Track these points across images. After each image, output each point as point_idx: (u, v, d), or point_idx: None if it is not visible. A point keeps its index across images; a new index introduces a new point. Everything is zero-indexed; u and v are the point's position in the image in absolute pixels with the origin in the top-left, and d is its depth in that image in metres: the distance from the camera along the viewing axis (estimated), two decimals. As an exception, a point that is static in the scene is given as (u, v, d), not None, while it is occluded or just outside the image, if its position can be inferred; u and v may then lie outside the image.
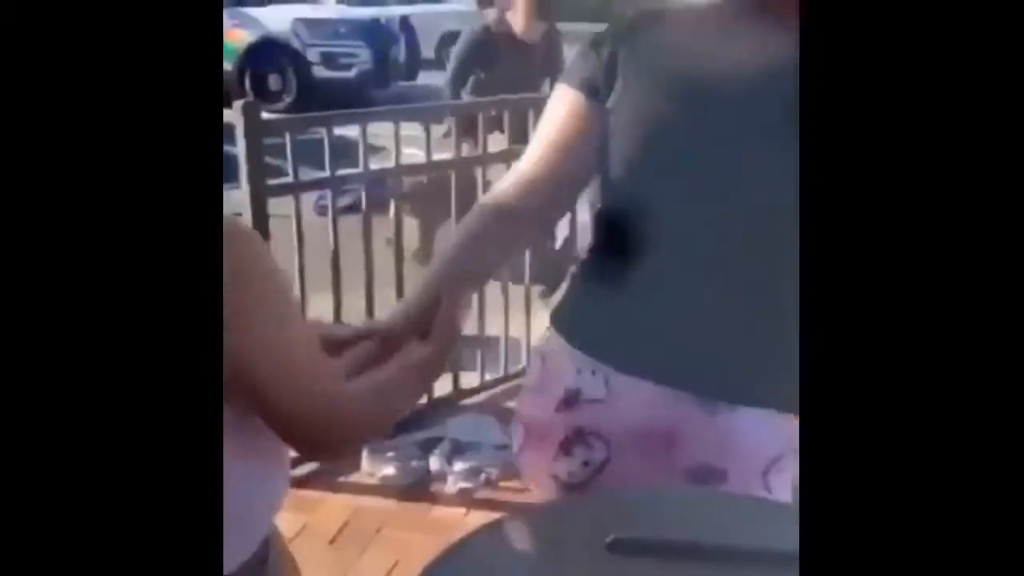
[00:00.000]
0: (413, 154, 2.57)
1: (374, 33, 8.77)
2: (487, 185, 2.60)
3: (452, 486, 2.35)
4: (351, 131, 2.49)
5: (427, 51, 11.76)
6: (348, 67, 8.57)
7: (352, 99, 8.39)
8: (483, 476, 2.38)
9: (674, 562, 0.86)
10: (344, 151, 2.42)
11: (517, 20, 3.29)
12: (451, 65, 3.41)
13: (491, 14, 3.42)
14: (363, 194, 2.47)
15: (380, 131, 2.60)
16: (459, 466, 2.40)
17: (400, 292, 2.50)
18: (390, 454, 2.44)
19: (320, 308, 2.37)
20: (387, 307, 2.56)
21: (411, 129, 2.56)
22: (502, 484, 2.37)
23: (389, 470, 2.38)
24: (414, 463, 2.42)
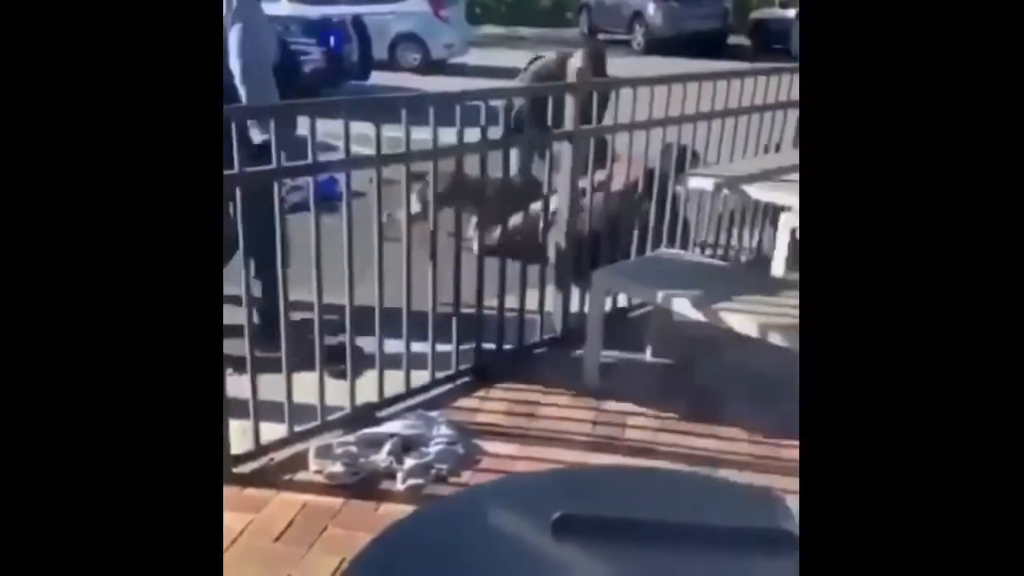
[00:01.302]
0: (362, 152, 2.56)
1: (326, 31, 8.70)
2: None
3: (401, 483, 2.34)
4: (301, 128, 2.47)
5: (380, 52, 11.68)
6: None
7: (303, 97, 8.28)
8: (433, 472, 2.38)
9: (619, 540, 0.88)
10: (293, 150, 2.40)
11: (570, 75, 3.85)
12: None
13: (552, 60, 4.11)
14: (310, 190, 2.45)
15: (332, 129, 2.58)
16: (408, 463, 2.40)
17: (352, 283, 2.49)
18: (338, 451, 2.43)
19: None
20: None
21: (363, 128, 2.54)
22: (452, 480, 2.37)
23: (337, 467, 2.36)
24: (362, 460, 2.41)
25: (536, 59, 4.28)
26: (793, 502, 0.97)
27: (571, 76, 3.96)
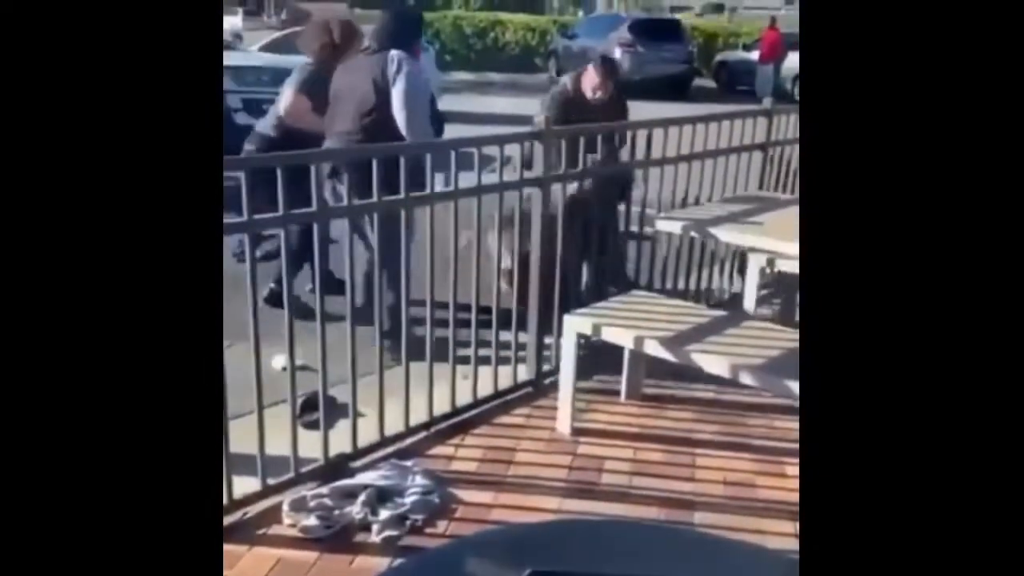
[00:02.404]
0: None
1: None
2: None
3: (377, 535, 2.31)
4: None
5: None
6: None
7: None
8: (408, 523, 2.35)
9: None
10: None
11: (587, 90, 4.04)
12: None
13: (568, 81, 4.17)
14: (282, 240, 2.45)
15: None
16: (384, 514, 2.37)
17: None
18: (312, 504, 2.40)
19: (239, 355, 2.32)
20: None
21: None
22: (428, 530, 2.34)
23: (311, 521, 2.33)
24: (336, 513, 2.37)
25: (553, 85, 4.42)
26: (768, 543, 0.98)
27: (588, 92, 4.03)
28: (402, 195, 2.68)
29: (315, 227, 2.55)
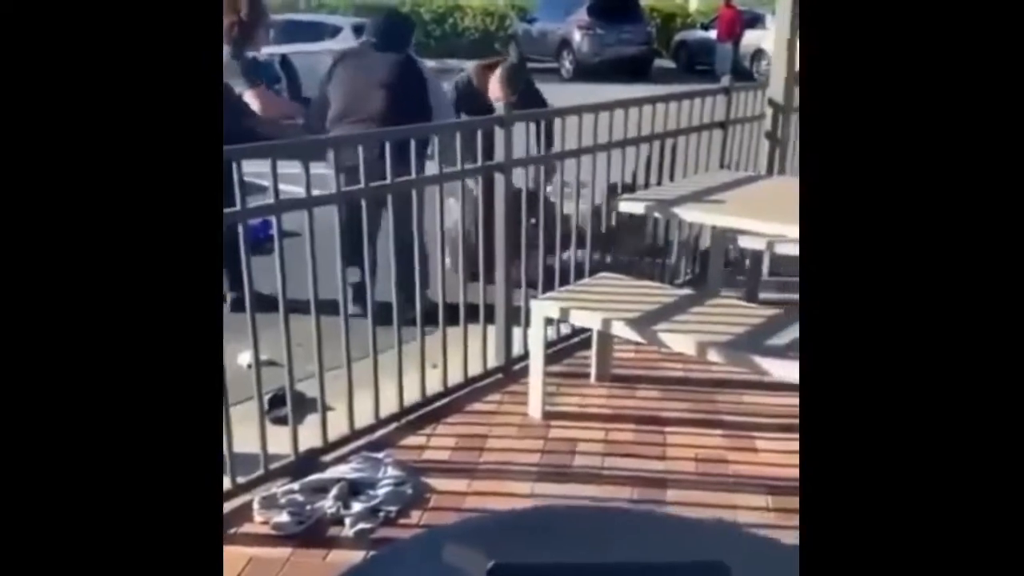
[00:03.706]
0: (292, 191, 2.54)
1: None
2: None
3: (350, 528, 2.29)
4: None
5: (312, 89, 11.62)
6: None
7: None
8: (381, 515, 2.34)
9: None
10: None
11: (491, 92, 4.18)
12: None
13: (472, 75, 4.31)
14: (240, 231, 2.40)
15: (258, 169, 2.56)
16: (356, 507, 2.36)
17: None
18: (283, 500, 2.37)
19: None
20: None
21: (290, 167, 2.52)
22: (401, 521, 2.33)
23: (283, 517, 2.31)
24: (308, 508, 2.35)
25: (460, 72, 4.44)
26: (739, 517, 0.98)
27: (492, 90, 4.13)
28: (361, 184, 2.65)
29: (275, 220, 2.51)
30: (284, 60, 9.47)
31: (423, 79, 3.77)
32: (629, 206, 3.22)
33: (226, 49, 3.90)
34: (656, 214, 3.32)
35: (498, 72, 4.19)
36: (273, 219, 2.49)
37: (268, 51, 10.36)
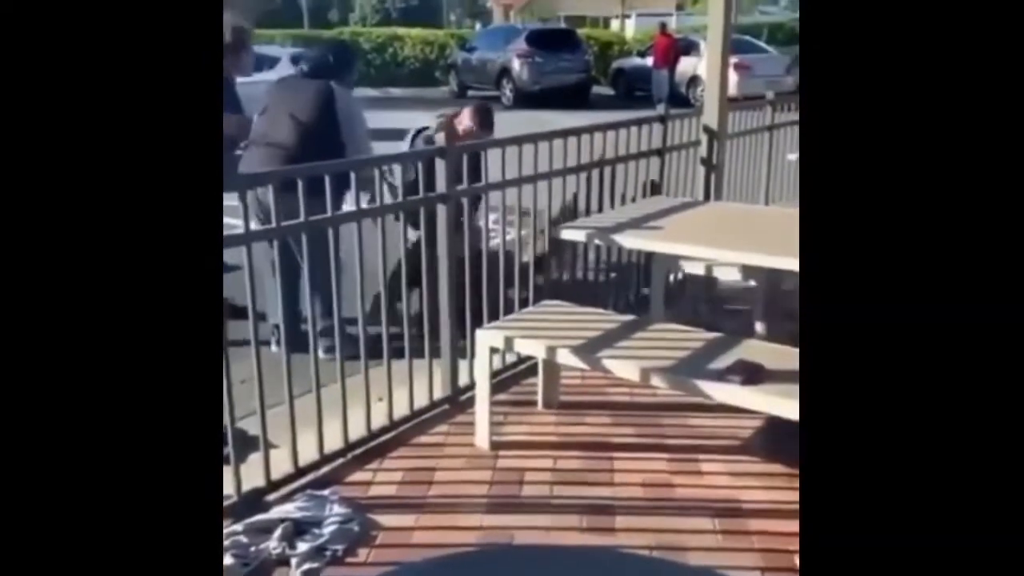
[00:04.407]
0: (233, 224, 2.50)
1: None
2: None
3: (296, 569, 2.25)
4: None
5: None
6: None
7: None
8: (328, 554, 2.30)
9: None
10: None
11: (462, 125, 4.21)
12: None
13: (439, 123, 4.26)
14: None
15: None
16: (302, 547, 2.31)
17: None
18: (227, 543, 2.31)
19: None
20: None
21: (229, 199, 2.49)
22: (349, 560, 2.29)
23: (227, 560, 2.25)
24: (253, 549, 2.30)
25: (422, 130, 4.38)
26: (687, 542, 0.98)
27: (462, 121, 4.18)
28: (301, 218, 2.63)
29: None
30: (227, 84, 9.38)
31: (333, 110, 3.73)
32: (570, 234, 3.25)
33: None
34: (597, 241, 3.36)
35: (467, 110, 4.23)
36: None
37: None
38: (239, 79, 4.23)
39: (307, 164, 2.94)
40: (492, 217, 3.69)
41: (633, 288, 4.28)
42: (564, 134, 3.59)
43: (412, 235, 3.21)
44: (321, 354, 2.88)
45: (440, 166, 3.09)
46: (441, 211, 3.12)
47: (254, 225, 2.61)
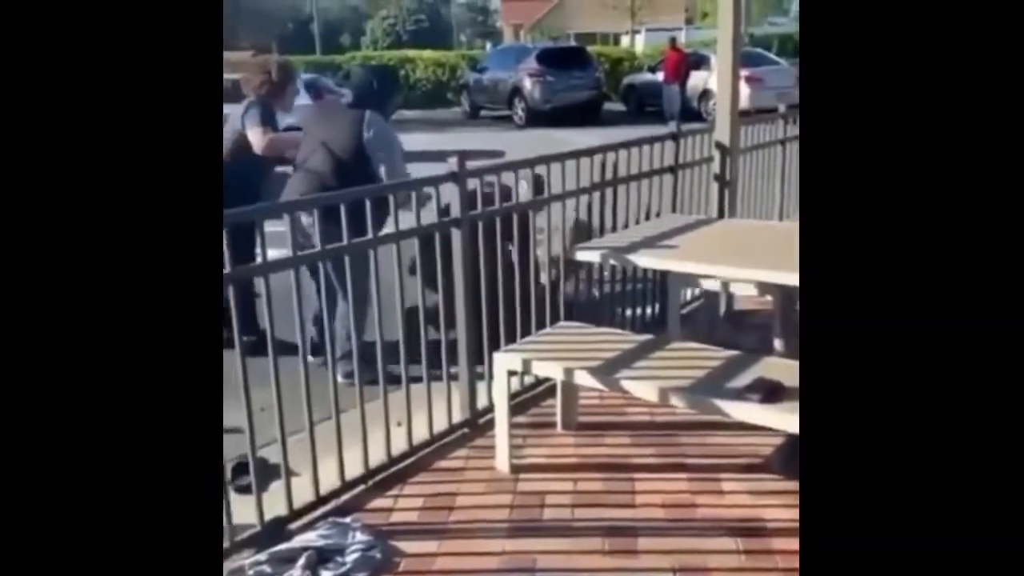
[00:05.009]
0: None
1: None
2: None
3: (319, 598, 2.26)
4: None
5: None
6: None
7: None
8: (351, 582, 2.31)
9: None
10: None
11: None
12: None
13: None
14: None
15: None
16: (325, 575, 2.32)
17: (247, 401, 2.42)
18: (251, 573, 2.32)
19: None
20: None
21: (277, 225, 2.54)
22: (372, 588, 2.30)
23: (250, 591, 2.26)
24: (277, 579, 2.31)
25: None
26: (708, 562, 0.97)
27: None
28: (317, 248, 2.66)
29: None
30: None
31: (367, 137, 3.84)
32: (585, 255, 3.26)
33: (251, 100, 4.27)
34: (612, 262, 3.37)
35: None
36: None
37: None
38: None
39: (329, 193, 2.98)
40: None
41: (649, 306, 4.28)
42: (575, 155, 3.60)
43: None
44: (340, 379, 2.90)
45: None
46: (456, 236, 3.14)
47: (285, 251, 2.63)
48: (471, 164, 3.13)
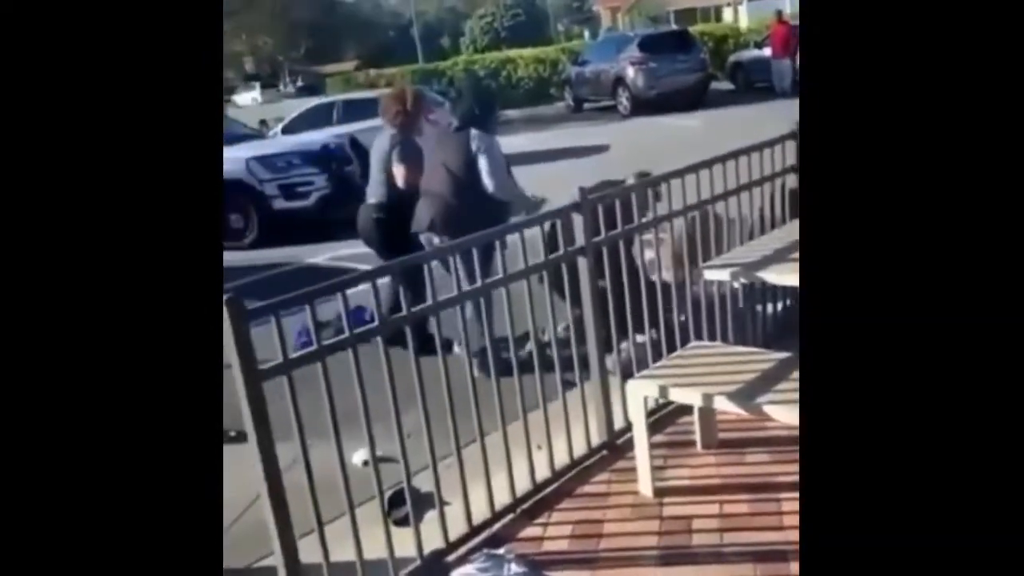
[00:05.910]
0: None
1: (326, 158, 9.01)
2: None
3: (482, 630, 2.36)
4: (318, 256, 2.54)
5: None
6: (306, 195, 8.80)
7: (313, 225, 8.58)
8: (511, 614, 2.40)
9: None
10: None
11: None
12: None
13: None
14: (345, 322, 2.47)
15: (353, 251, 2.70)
16: (485, 608, 2.43)
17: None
18: (416, 607, 2.45)
19: (324, 453, 2.40)
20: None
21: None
22: (531, 619, 2.38)
23: (418, 624, 2.39)
24: (441, 613, 2.43)
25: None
26: None
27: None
28: (455, 292, 2.77)
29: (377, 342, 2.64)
30: (353, 141, 9.85)
31: (471, 157, 4.21)
32: (714, 274, 3.24)
33: (390, 131, 4.72)
34: (742, 280, 3.34)
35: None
36: (372, 308, 2.64)
37: (334, 132, 10.74)
38: (352, 128, 4.77)
39: (462, 239, 2.99)
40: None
41: (780, 301, 4.19)
42: (694, 169, 3.55)
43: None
44: (476, 372, 2.95)
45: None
46: (582, 263, 3.19)
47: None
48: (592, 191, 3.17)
